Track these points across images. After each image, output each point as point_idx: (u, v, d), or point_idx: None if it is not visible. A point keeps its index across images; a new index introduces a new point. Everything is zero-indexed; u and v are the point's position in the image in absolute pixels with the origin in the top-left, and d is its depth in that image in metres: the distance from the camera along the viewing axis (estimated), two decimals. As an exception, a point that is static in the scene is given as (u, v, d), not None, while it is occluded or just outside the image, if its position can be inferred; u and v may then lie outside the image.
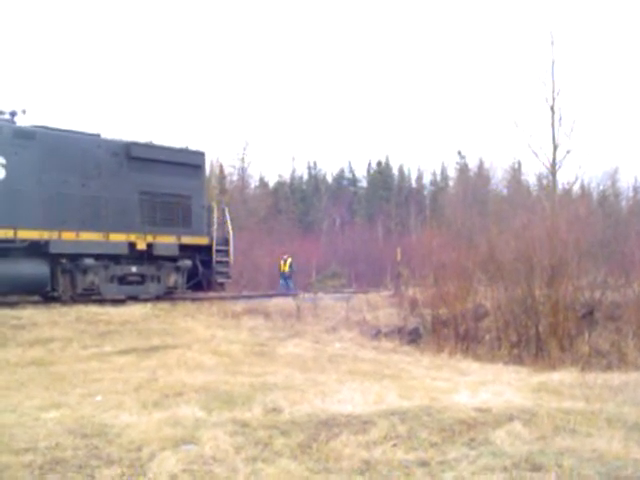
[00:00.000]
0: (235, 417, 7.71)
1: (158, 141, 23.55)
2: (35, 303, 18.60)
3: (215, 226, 23.32)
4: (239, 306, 20.81)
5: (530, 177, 63.89)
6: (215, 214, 23.46)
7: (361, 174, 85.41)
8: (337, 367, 12.45)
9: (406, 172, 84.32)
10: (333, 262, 48.23)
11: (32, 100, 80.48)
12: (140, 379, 10.29)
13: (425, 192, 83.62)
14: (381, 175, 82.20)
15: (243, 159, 67.39)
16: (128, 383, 10.01)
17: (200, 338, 15.39)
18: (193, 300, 21.62)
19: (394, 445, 6.68)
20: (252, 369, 11.73)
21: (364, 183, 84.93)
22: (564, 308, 17.75)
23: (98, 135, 21.12)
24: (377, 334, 18.50)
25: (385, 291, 27.64)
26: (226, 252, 23.46)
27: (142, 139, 22.73)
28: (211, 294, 23.01)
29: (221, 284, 23.82)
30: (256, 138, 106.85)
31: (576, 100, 45.92)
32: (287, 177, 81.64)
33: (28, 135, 18.80)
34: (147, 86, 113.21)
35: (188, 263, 22.26)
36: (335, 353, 14.53)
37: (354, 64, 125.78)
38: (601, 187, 62.64)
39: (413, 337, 18.79)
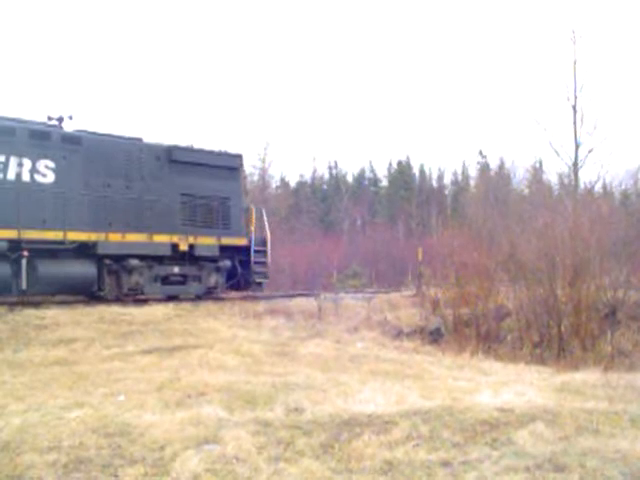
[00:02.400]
0: (257, 417, 7.74)
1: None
2: (58, 303, 18.73)
3: (253, 227, 23.83)
4: (260, 306, 20.86)
5: (552, 176, 63.66)
6: (253, 215, 23.95)
7: (382, 174, 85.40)
8: (359, 367, 12.44)
9: (427, 172, 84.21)
10: (354, 262, 48.14)
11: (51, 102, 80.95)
12: (162, 379, 10.32)
13: (446, 192, 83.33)
14: (402, 175, 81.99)
15: (264, 159, 67.58)
16: (151, 383, 10.05)
17: (222, 338, 15.42)
18: (215, 300, 21.72)
19: (416, 445, 6.68)
20: (274, 369, 11.74)
21: (385, 183, 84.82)
22: (586, 308, 17.65)
23: (140, 139, 21.74)
24: (399, 334, 18.46)
25: (406, 291, 27.55)
26: (264, 253, 24.01)
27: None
28: (232, 294, 23.14)
29: (259, 284, 24.27)
30: (277, 138, 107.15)
31: (598, 98, 45.75)
32: (308, 177, 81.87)
33: (75, 140, 19.51)
34: (168, 87, 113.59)
35: (228, 263, 22.90)
36: (357, 353, 14.51)
37: (375, 64, 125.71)
38: (623, 186, 62.17)
39: (435, 337, 18.72)
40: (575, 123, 41.93)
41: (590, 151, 42.10)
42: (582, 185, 44.52)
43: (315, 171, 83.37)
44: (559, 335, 17.52)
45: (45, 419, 7.63)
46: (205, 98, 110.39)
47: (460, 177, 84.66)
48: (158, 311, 18.38)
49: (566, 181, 50.27)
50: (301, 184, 78.94)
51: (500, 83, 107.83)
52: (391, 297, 24.57)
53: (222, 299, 22.14)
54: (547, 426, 7.22)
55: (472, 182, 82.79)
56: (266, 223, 24.42)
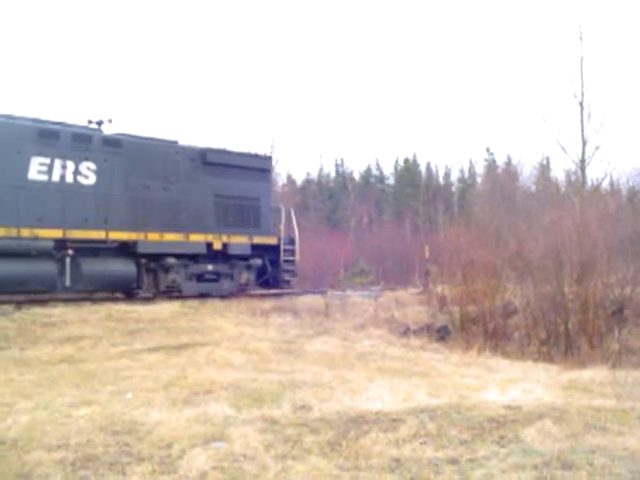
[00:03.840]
0: (264, 414, 7.74)
1: (189, 140, 24.07)
2: (65, 301, 18.76)
3: (282, 227, 24.78)
4: (267, 304, 20.88)
5: (559, 173, 63.65)
6: (282, 215, 24.94)
7: (388, 171, 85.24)
8: (366, 365, 12.44)
9: (434, 169, 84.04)
10: (361, 259, 48.11)
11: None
12: (170, 377, 10.34)
13: (453, 189, 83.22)
14: (408, 172, 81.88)
15: (271, 157, 67.55)
16: (158, 380, 10.06)
17: (229, 336, 15.44)
18: (222, 298, 21.81)
19: (423, 443, 6.67)
20: (281, 367, 11.74)
21: (391, 180, 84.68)
22: (594, 305, 17.58)
23: (176, 142, 22.75)
24: (406, 331, 18.43)
25: (413, 288, 27.60)
26: (292, 251, 25.10)
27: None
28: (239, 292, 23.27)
29: (287, 281, 25.20)
30: (283, 136, 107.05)
31: (605, 95, 45.55)
32: (315, 175, 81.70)
33: (115, 143, 20.46)
34: (174, 85, 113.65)
35: (258, 262, 23.98)
36: (364, 351, 14.50)
37: (382, 61, 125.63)
38: (630, 183, 61.99)
39: (442, 334, 18.68)
40: (582, 120, 41.73)
41: (597, 148, 41.91)
42: (589, 182, 44.40)
43: (322, 169, 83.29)
44: (566, 332, 17.48)
45: (53, 417, 7.65)
46: (212, 96, 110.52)
47: (467, 174, 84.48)
48: (165, 309, 18.41)
49: (573, 178, 50.13)
50: (308, 182, 78.79)
51: (507, 80, 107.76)
52: (398, 294, 24.62)
53: (228, 297, 22.25)
54: (555, 424, 7.20)
55: (479, 179, 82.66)
56: (294, 223, 25.18)
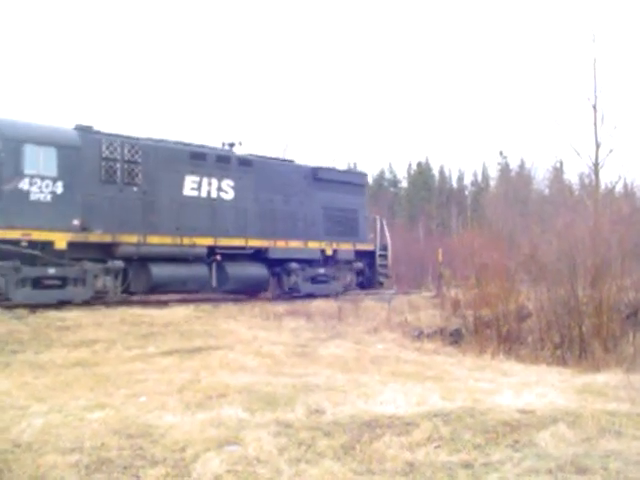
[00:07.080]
0: (278, 418, 7.73)
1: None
2: (79, 305, 18.81)
3: (377, 235, 27.95)
4: (280, 307, 20.89)
5: (572, 176, 63.43)
6: (377, 224, 28.19)
7: (402, 175, 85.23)
8: (379, 368, 12.41)
9: (447, 172, 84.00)
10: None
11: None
12: (183, 380, 10.35)
13: (466, 192, 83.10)
14: (422, 176, 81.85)
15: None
16: (171, 384, 10.07)
17: (242, 339, 15.42)
18: (235, 302, 21.91)
19: (437, 447, 6.66)
20: (294, 370, 11.73)
21: (405, 184, 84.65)
22: (608, 309, 17.48)
23: (292, 161, 26.93)
24: (419, 335, 18.39)
25: (426, 292, 27.79)
26: (385, 256, 28.04)
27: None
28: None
29: (381, 283, 28.23)
30: (296, 139, 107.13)
31: (619, 98, 45.35)
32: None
33: (247, 162, 23.72)
34: (186, 86, 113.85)
35: (360, 265, 27.26)
36: (377, 354, 14.47)
37: (395, 65, 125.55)
38: (645, 186, 61.65)
39: (455, 338, 18.63)
40: (595, 123, 41.52)
41: (611, 151, 41.72)
42: (603, 185, 44.26)
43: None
44: (580, 336, 17.39)
45: (67, 420, 7.67)
46: (227, 99, 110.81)
47: (480, 178, 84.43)
48: (178, 312, 18.42)
49: (587, 181, 49.99)
50: (321, 185, 78.73)
51: (520, 84, 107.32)
52: (411, 298, 24.79)
53: (241, 301, 22.43)
54: (569, 428, 7.17)
55: (492, 183, 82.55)
56: (386, 231, 28.26)
